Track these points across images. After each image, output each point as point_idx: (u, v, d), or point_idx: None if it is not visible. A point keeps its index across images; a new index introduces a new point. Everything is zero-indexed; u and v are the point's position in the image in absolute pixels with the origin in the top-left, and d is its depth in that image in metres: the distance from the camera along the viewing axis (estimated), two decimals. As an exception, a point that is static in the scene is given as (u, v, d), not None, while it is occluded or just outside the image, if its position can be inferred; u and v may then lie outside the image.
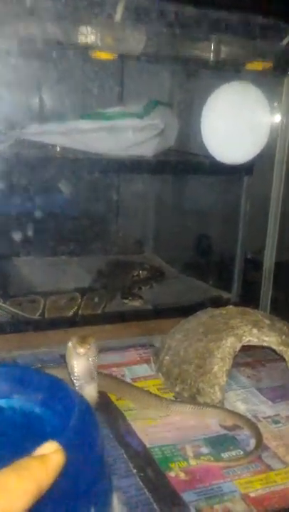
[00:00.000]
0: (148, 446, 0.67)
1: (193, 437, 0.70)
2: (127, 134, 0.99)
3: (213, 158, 1.00)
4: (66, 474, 0.51)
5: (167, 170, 1.08)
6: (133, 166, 1.02)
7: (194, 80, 1.23)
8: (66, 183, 1.09)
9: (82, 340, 0.66)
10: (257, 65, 0.92)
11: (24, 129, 1.03)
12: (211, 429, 0.72)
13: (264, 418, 0.75)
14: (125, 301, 1.10)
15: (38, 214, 1.18)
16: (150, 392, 0.78)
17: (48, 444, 0.39)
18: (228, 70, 0.95)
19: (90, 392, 0.66)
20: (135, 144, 1.02)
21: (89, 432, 0.56)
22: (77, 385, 0.67)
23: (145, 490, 0.59)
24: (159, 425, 0.72)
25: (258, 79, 0.95)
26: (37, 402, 0.62)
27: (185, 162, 1.09)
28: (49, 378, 0.64)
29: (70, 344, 0.68)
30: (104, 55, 0.78)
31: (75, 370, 0.67)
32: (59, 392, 0.61)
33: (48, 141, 1.03)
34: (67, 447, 0.52)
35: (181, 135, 1.17)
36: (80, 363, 0.67)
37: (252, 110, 0.92)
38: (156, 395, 0.77)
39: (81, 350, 0.65)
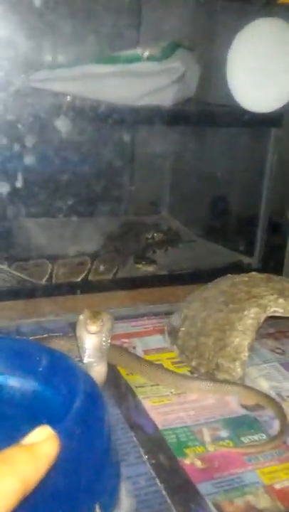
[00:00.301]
0: (160, 428, 0.60)
1: (211, 418, 0.63)
2: (143, 79, 0.89)
3: (237, 108, 0.90)
4: (67, 465, 0.44)
5: (187, 121, 0.98)
6: (149, 117, 0.92)
7: (218, 19, 1.11)
8: (75, 136, 1.00)
9: (95, 316, 0.59)
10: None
11: (31, 75, 0.93)
12: (230, 408, 0.65)
13: (289, 397, 0.68)
14: (138, 265, 1.02)
15: (45, 171, 1.10)
16: (163, 367, 0.72)
17: (39, 430, 0.32)
18: (257, 5, 0.83)
19: (99, 371, 0.60)
20: (152, 90, 0.91)
21: (95, 417, 0.49)
22: (85, 362, 0.60)
23: (157, 480, 0.52)
24: (174, 404, 0.65)
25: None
26: (38, 380, 0.56)
27: (207, 112, 0.98)
28: (52, 353, 0.58)
29: (81, 317, 0.60)
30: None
31: (86, 347, 0.60)
32: (63, 369, 0.55)
33: (58, 88, 0.93)
34: (70, 434, 0.45)
35: (203, 83, 1.06)
36: (91, 341, 0.60)
37: (284, 51, 0.80)
38: (170, 370, 0.70)
39: (93, 328, 0.58)
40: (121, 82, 0.90)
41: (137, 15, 1.18)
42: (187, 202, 1.35)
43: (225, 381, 0.69)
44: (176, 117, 0.94)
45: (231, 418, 0.63)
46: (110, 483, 0.49)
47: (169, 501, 0.50)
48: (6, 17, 0.90)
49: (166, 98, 0.95)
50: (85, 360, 0.60)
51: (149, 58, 0.91)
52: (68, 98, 0.94)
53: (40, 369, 0.56)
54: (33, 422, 0.54)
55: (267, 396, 0.67)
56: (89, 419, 0.48)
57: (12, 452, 0.30)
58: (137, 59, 0.90)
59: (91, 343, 0.59)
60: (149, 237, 1.18)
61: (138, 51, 0.92)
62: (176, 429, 0.60)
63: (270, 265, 1.05)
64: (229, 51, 0.81)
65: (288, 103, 0.87)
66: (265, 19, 0.81)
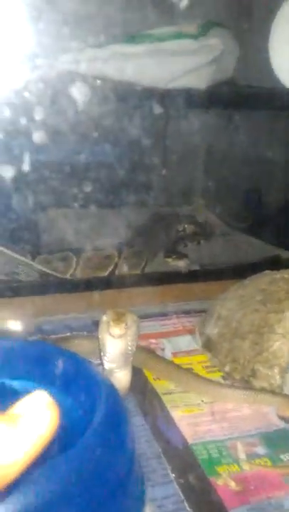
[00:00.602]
0: (190, 442, 0.55)
1: (247, 432, 0.57)
2: (178, 58, 0.83)
3: (279, 89, 0.82)
4: (84, 488, 0.39)
5: (224, 104, 0.90)
6: (183, 99, 0.86)
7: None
8: (105, 122, 0.95)
9: (119, 318, 0.53)
10: None
11: (60, 57, 0.88)
12: (268, 421, 0.59)
13: None
14: (168, 259, 0.96)
15: (72, 159, 1.05)
16: (194, 372, 0.66)
17: (36, 395, 0.27)
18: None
19: (121, 378, 0.54)
20: (187, 71, 0.85)
21: (117, 434, 0.44)
22: (106, 367, 0.55)
23: (186, 503, 0.47)
24: (205, 414, 0.59)
25: None
26: (57, 387, 0.51)
27: (245, 94, 0.91)
28: (73, 358, 0.53)
29: (104, 318, 0.55)
30: None
31: (107, 351, 0.55)
32: (83, 376, 0.50)
33: (87, 70, 0.87)
34: (89, 454, 0.40)
35: (242, 64, 0.98)
36: (114, 345, 0.54)
37: None
38: (201, 376, 0.64)
39: (116, 331, 0.52)
40: (153, 63, 0.83)
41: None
42: (222, 192, 1.27)
43: (262, 390, 0.62)
44: (212, 100, 0.87)
45: (269, 432, 0.57)
46: (133, 507, 0.44)
47: (198, 529, 0.44)
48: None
49: (201, 79, 0.88)
50: (106, 365, 0.54)
51: (185, 36, 0.84)
52: (98, 82, 0.89)
53: (59, 375, 0.51)
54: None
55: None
56: (110, 436, 0.42)
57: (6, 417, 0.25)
58: (171, 37, 0.83)
59: (114, 348, 0.54)
60: (181, 229, 1.12)
61: (172, 28, 0.85)
62: (207, 444, 0.55)
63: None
64: (272, 26, 0.73)
65: None
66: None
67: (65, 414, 0.50)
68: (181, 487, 0.48)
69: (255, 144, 1.16)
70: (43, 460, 0.32)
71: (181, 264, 0.96)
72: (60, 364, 0.52)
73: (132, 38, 0.85)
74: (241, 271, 0.83)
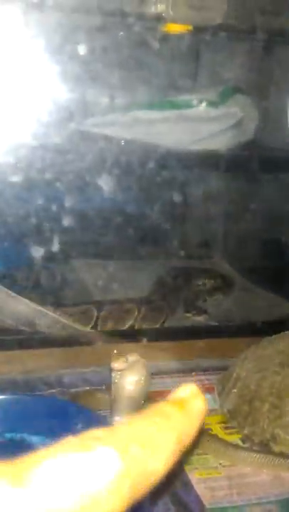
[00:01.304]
0: (208, 506, 0.54)
1: (265, 498, 0.56)
2: (199, 125, 0.87)
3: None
4: None
5: (242, 166, 0.93)
6: (203, 162, 0.89)
7: (275, 63, 1.08)
8: (127, 179, 0.98)
9: (119, 354, 0.53)
10: None
11: (84, 120, 0.93)
12: (287, 487, 0.58)
13: None
14: (188, 314, 0.97)
15: (95, 214, 1.09)
16: (214, 434, 0.65)
17: (185, 387, 0.27)
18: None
19: None
20: (208, 136, 0.89)
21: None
22: (115, 418, 0.54)
23: None
24: (223, 478, 0.59)
25: None
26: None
27: (263, 157, 0.94)
28: (89, 415, 0.54)
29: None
30: (176, 28, 0.65)
31: (112, 393, 0.54)
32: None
33: (110, 133, 0.92)
34: None
35: (261, 127, 1.02)
36: (117, 385, 0.54)
37: None
38: (221, 439, 0.64)
39: (114, 366, 0.52)
40: (175, 128, 0.87)
41: (194, 60, 1.17)
42: (241, 247, 1.29)
43: (281, 455, 0.62)
44: (230, 162, 0.90)
45: (287, 499, 0.56)
46: None
47: None
48: (63, 62, 0.90)
49: (221, 143, 0.92)
50: (114, 413, 0.53)
51: (206, 103, 0.88)
52: (123, 143, 0.93)
53: (75, 430, 0.52)
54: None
55: None
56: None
57: (165, 407, 0.26)
58: (192, 104, 0.87)
59: (117, 388, 0.53)
60: (200, 283, 1.13)
61: (194, 96, 0.90)
62: (225, 509, 0.54)
63: None
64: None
65: None
66: None
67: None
68: None
69: (274, 200, 1.19)
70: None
71: (200, 319, 0.96)
72: (78, 420, 0.53)
73: (155, 105, 0.89)
74: (262, 328, 0.84)
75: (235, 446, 0.63)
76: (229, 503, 0.55)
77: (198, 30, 0.72)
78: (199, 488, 0.57)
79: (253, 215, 1.25)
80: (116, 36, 0.78)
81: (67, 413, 0.53)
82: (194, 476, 0.58)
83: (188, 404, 0.25)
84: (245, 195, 1.28)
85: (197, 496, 0.55)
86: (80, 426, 0.52)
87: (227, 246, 1.33)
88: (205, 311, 0.98)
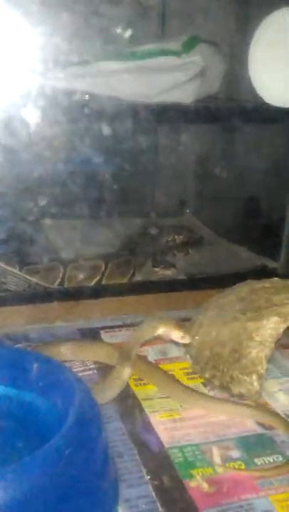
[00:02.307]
0: (167, 446, 0.56)
1: (223, 436, 0.58)
2: (161, 75, 0.85)
3: (262, 104, 0.85)
4: (56, 487, 0.41)
5: (208, 118, 0.92)
6: (169, 114, 0.88)
7: (242, 12, 1.05)
8: (93, 135, 0.97)
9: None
10: None
11: (45, 74, 0.90)
12: (245, 426, 0.60)
13: (310, 414, 0.63)
14: (156, 269, 0.98)
15: (63, 171, 1.07)
16: (176, 380, 0.67)
17: None
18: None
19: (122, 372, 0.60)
20: (171, 86, 0.87)
21: (88, 437, 0.46)
22: None
23: (158, 503, 0.48)
24: (183, 419, 0.61)
25: None
26: (35, 390, 0.53)
27: (229, 109, 0.93)
28: (50, 363, 0.55)
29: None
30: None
31: None
32: (60, 381, 0.51)
33: (73, 86, 0.90)
34: (59, 454, 0.42)
35: (229, 79, 1.01)
36: None
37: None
38: (183, 385, 0.66)
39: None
40: (137, 79, 0.86)
41: (161, 10, 1.15)
42: (212, 203, 1.30)
43: (239, 401, 0.64)
44: (196, 114, 0.90)
45: (245, 437, 0.59)
46: (105, 507, 0.46)
47: (169, 529, 0.46)
48: (21, 14, 0.87)
49: (186, 94, 0.90)
50: None
51: (168, 53, 0.87)
52: (86, 97, 0.91)
53: (38, 380, 0.53)
54: (26, 437, 0.51)
55: (283, 420, 0.62)
56: (81, 438, 0.44)
57: None
58: (155, 54, 0.86)
59: None
60: (170, 239, 1.14)
61: (156, 46, 0.88)
62: (183, 448, 0.56)
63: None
64: (252, 41, 0.76)
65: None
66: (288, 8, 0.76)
67: (43, 417, 0.52)
68: (155, 488, 0.50)
69: (243, 156, 1.18)
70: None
71: (168, 274, 0.97)
72: (37, 369, 0.54)
73: (116, 56, 0.87)
74: (227, 280, 0.85)
75: (197, 393, 0.65)
76: (187, 442, 0.57)
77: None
78: (159, 429, 0.59)
79: (222, 170, 1.25)
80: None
81: (27, 362, 0.54)
82: (155, 418, 0.61)
83: None
84: (214, 149, 1.28)
85: (156, 436, 0.57)
86: (38, 374, 0.53)
87: (198, 202, 1.34)
88: (173, 265, 0.99)
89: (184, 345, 0.74)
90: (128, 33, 0.89)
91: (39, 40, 0.93)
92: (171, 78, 0.86)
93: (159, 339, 0.77)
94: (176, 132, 1.24)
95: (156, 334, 0.64)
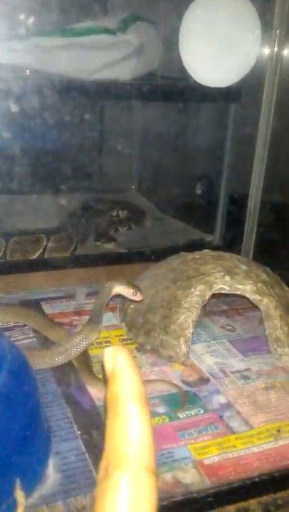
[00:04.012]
0: (98, 404, 0.61)
1: (151, 394, 0.63)
2: (96, 53, 0.87)
3: (194, 83, 0.88)
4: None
5: (143, 96, 0.95)
6: (105, 91, 0.90)
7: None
8: (35, 110, 0.98)
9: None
10: None
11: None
12: (171, 385, 0.66)
13: (232, 373, 0.69)
14: (98, 243, 1.01)
15: (7, 147, 1.08)
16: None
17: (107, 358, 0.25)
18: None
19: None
20: (107, 64, 0.89)
21: (18, 393, 0.49)
22: None
23: (86, 455, 0.53)
24: (115, 380, 0.65)
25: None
26: None
27: (163, 86, 0.96)
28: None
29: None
30: None
31: None
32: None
33: (13, 61, 0.91)
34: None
35: (168, 58, 1.04)
36: None
37: (238, 23, 0.79)
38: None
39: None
40: (74, 55, 0.87)
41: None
42: (154, 179, 1.34)
43: (168, 358, 0.69)
44: (132, 92, 0.92)
45: (170, 394, 0.64)
46: (35, 460, 0.50)
47: (95, 476, 0.50)
48: None
49: (123, 72, 0.93)
50: None
51: (105, 31, 0.88)
52: (28, 72, 0.92)
53: None
54: None
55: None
56: (13, 393, 0.48)
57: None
58: (91, 32, 0.87)
59: None
60: (114, 214, 1.17)
61: (93, 24, 0.90)
62: (113, 406, 0.61)
63: (231, 243, 1.05)
64: (182, 22, 0.79)
65: (247, 81, 0.87)
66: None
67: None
68: (84, 442, 0.54)
69: (183, 133, 1.22)
70: None
71: (109, 247, 1.01)
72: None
73: (53, 32, 0.88)
74: (166, 253, 0.89)
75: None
76: (118, 400, 0.62)
77: None
78: (93, 391, 0.63)
79: (163, 147, 1.29)
80: None
81: None
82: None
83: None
84: (155, 127, 1.31)
85: (89, 396, 0.62)
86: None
87: (141, 178, 1.37)
88: (114, 240, 1.02)
89: (120, 314, 0.79)
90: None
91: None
92: (106, 56, 0.88)
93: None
94: (120, 109, 1.27)
95: (113, 293, 0.71)
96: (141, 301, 0.71)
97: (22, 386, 0.49)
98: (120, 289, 0.70)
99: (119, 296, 0.73)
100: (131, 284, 0.71)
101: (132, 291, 0.70)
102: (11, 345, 0.54)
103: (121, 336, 0.75)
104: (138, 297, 0.70)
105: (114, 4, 1.18)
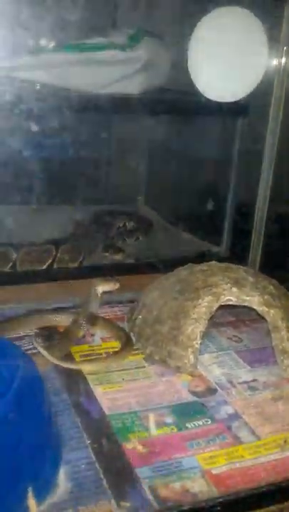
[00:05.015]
0: (107, 413, 0.62)
1: (159, 404, 0.64)
2: (107, 68, 0.89)
3: (203, 97, 0.90)
4: (1, 447, 0.46)
5: (152, 109, 0.97)
6: (114, 105, 0.92)
7: (185, 8, 1.10)
8: (46, 123, 1.00)
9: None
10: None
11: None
12: (179, 395, 0.67)
13: (239, 383, 0.70)
14: (106, 254, 1.03)
15: (17, 158, 1.10)
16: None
17: None
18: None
19: None
20: (117, 79, 0.91)
21: (32, 403, 0.50)
22: None
23: (96, 464, 0.54)
24: (125, 390, 0.66)
25: (255, 5, 0.83)
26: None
27: (172, 101, 0.98)
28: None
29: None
30: None
31: None
32: (5, 355, 0.56)
33: (24, 76, 0.93)
34: (4, 419, 0.47)
35: (176, 72, 1.05)
36: None
37: (246, 40, 0.80)
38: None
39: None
40: (85, 71, 0.89)
41: (112, 4, 1.18)
42: (162, 191, 1.35)
43: (177, 368, 0.70)
44: (141, 106, 0.94)
45: (179, 404, 0.65)
46: (47, 468, 0.51)
47: (105, 484, 0.51)
48: None
49: (132, 86, 0.95)
50: None
51: (114, 47, 0.90)
52: (38, 87, 0.94)
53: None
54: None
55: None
56: (25, 405, 0.49)
57: None
58: (102, 47, 0.89)
59: None
60: (121, 225, 1.18)
61: (103, 39, 0.92)
62: (123, 415, 0.62)
63: (238, 254, 1.06)
64: (191, 38, 0.81)
65: (255, 95, 0.88)
66: (227, 8, 0.81)
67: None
68: (94, 450, 0.55)
69: (191, 147, 1.24)
70: None
71: (117, 258, 1.02)
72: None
73: (65, 48, 0.90)
74: (173, 264, 0.90)
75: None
76: (126, 410, 0.63)
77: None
78: (102, 400, 0.64)
79: (171, 160, 1.30)
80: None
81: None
82: (99, 390, 0.66)
83: None
84: (165, 140, 1.32)
85: (99, 406, 0.63)
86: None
87: (149, 190, 1.39)
88: (122, 250, 1.04)
89: (128, 324, 0.80)
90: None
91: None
92: (116, 71, 0.90)
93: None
94: (129, 122, 1.28)
95: (100, 293, 0.79)
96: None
97: (34, 395, 0.51)
98: (103, 286, 0.79)
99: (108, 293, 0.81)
100: (108, 279, 0.80)
101: (112, 283, 0.78)
102: (23, 355, 0.55)
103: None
104: (116, 285, 0.79)
105: (123, 19, 1.21)
